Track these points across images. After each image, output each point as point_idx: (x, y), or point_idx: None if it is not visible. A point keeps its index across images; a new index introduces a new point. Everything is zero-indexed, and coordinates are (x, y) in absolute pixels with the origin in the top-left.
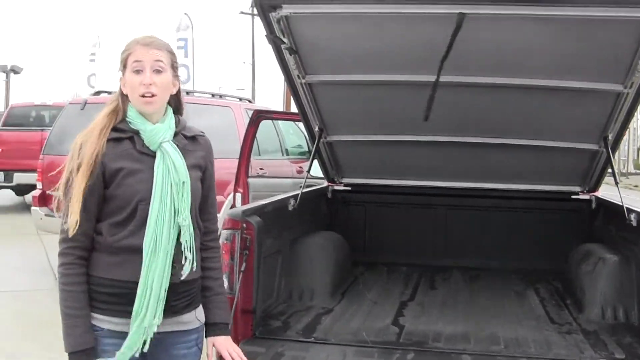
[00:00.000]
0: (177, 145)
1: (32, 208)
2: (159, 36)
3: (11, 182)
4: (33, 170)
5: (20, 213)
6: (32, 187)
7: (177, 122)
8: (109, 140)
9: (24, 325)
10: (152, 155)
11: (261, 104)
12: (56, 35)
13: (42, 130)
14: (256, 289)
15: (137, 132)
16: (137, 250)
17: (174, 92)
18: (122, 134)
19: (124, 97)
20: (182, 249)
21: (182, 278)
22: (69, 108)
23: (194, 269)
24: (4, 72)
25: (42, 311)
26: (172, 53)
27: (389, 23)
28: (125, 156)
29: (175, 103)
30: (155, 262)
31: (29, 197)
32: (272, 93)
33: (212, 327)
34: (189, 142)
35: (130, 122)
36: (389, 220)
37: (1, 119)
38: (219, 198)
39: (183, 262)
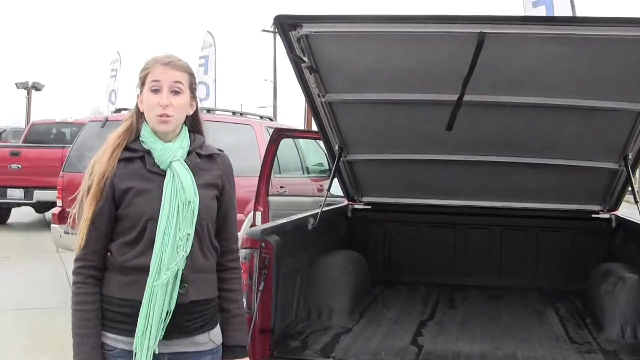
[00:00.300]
0: (189, 164)
1: (52, 225)
2: (181, 54)
3: (31, 199)
4: (53, 188)
5: (40, 230)
6: (52, 204)
7: (193, 141)
8: (120, 159)
9: (42, 343)
10: (163, 175)
11: (283, 121)
12: (77, 51)
13: (62, 147)
14: (274, 309)
15: (148, 152)
16: (146, 270)
17: (191, 112)
18: (133, 153)
19: (139, 115)
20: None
21: (191, 298)
22: (89, 125)
23: (182, 292)
24: (26, 88)
25: (60, 329)
26: (191, 74)
27: (409, 42)
28: (135, 175)
29: (192, 123)
30: (159, 282)
31: (49, 215)
32: (294, 111)
33: (229, 350)
34: (204, 160)
35: (143, 141)
36: (409, 239)
37: (22, 136)
38: (239, 216)
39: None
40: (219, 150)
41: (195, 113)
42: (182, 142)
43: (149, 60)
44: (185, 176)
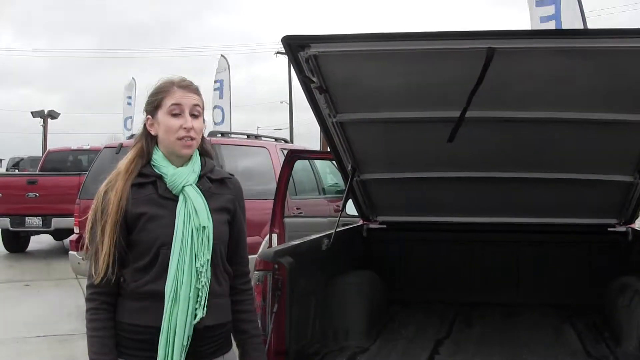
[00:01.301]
0: (201, 189)
1: (70, 252)
2: (195, 78)
3: (49, 226)
4: (71, 215)
5: (59, 257)
6: (71, 231)
7: (203, 165)
8: (132, 185)
9: None
10: (175, 200)
11: (300, 143)
12: (93, 78)
13: (79, 174)
14: (289, 330)
15: (160, 176)
16: (160, 296)
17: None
18: (145, 178)
19: (150, 139)
20: (198, 294)
21: (204, 323)
22: (104, 152)
23: (199, 316)
24: (41, 117)
25: (81, 355)
26: (202, 97)
27: (418, 60)
28: (147, 201)
29: (202, 146)
30: (177, 309)
31: (67, 242)
32: (311, 132)
33: None
34: (216, 185)
35: (154, 166)
36: (425, 257)
37: (39, 165)
38: (256, 239)
39: (198, 308)
40: (230, 174)
41: (203, 135)
42: (194, 167)
43: (164, 83)
44: (198, 201)
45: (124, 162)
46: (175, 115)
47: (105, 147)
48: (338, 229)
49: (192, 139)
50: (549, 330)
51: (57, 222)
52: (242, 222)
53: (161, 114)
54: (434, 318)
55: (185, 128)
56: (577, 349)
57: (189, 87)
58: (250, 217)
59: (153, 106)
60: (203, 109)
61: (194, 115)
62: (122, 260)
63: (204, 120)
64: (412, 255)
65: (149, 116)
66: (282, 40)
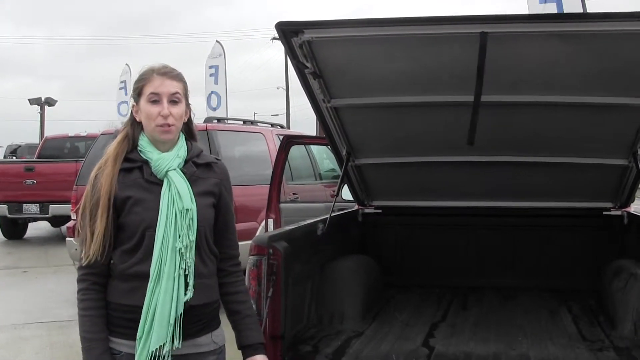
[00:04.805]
0: (185, 173)
1: (67, 239)
2: (190, 64)
3: (47, 213)
4: (68, 202)
5: (57, 244)
6: (68, 218)
7: (189, 149)
8: (120, 170)
9: (60, 356)
10: (160, 184)
11: (297, 129)
12: (90, 65)
13: (76, 161)
14: (284, 315)
15: (146, 161)
16: (146, 277)
17: (185, 120)
18: (132, 163)
19: (136, 125)
20: (185, 274)
21: (190, 303)
22: (101, 138)
23: (188, 296)
24: (39, 104)
25: (77, 342)
26: (185, 83)
27: (411, 45)
28: (133, 185)
29: (187, 130)
30: (159, 288)
31: (65, 228)
32: (308, 118)
33: (247, 349)
34: (201, 169)
35: (141, 151)
36: (421, 241)
37: (36, 152)
38: (252, 224)
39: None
40: (216, 158)
41: (190, 120)
42: (179, 152)
43: (145, 71)
44: (181, 185)
45: (111, 148)
46: (154, 102)
47: (102, 134)
48: (333, 214)
49: (169, 125)
50: (545, 314)
51: (54, 209)
52: (229, 205)
53: (142, 102)
54: (429, 302)
55: (162, 115)
56: (572, 333)
57: (167, 74)
58: (247, 202)
59: (136, 94)
60: (185, 95)
61: (173, 102)
62: (112, 242)
63: (188, 105)
64: (408, 239)
65: (134, 103)
66: (275, 26)
